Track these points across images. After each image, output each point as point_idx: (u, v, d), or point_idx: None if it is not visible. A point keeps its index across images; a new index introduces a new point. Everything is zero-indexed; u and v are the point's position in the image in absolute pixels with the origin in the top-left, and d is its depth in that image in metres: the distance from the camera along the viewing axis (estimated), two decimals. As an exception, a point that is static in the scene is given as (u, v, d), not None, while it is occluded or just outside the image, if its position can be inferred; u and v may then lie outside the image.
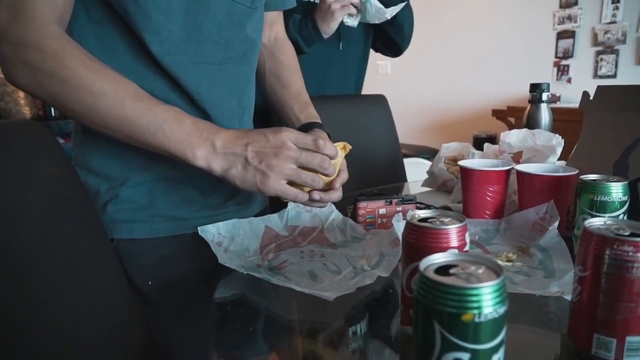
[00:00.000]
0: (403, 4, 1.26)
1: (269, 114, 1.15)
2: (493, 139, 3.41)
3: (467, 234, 0.44)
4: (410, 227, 0.45)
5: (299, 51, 1.24)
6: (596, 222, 0.44)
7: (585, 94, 0.76)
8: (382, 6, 1.20)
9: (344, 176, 0.73)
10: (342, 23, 1.24)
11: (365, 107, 1.46)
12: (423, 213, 0.47)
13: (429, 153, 3.23)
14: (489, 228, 0.77)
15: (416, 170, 1.54)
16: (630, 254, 0.39)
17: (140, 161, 0.74)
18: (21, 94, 2.01)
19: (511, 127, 3.16)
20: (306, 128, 0.85)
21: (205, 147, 0.64)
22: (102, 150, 0.73)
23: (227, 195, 0.84)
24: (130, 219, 0.75)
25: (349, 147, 0.73)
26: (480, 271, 0.33)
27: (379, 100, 1.49)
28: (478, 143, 3.48)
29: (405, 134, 4.18)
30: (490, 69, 3.77)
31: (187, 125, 0.64)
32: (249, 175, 0.64)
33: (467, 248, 0.45)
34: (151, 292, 0.76)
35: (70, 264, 0.61)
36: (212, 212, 0.81)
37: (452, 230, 0.43)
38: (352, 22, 1.25)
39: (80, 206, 0.63)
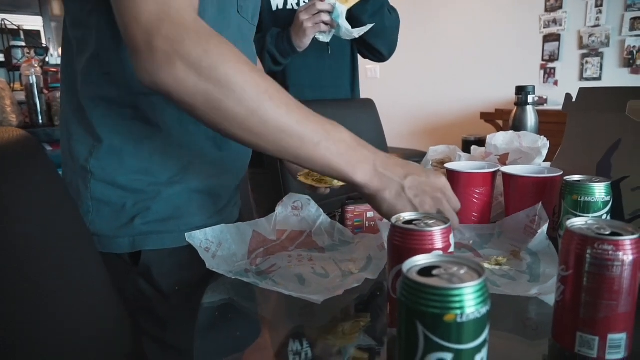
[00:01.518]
0: (371, 25, 1.31)
1: None
2: (482, 142, 3.42)
3: (451, 236, 0.45)
4: (395, 229, 0.45)
5: (276, 63, 1.28)
6: (578, 222, 0.44)
7: (568, 97, 0.77)
8: (349, 27, 1.26)
9: None
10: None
11: (353, 111, 1.46)
12: (408, 215, 0.48)
13: (418, 156, 3.23)
14: (483, 233, 0.77)
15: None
16: (610, 252, 0.40)
17: (167, 175, 0.74)
18: (8, 101, 1.99)
19: (499, 129, 3.19)
20: None
21: (367, 164, 0.61)
22: (129, 165, 0.72)
23: (226, 199, 0.85)
24: (161, 230, 0.74)
25: None
26: (462, 272, 0.33)
27: (367, 104, 1.50)
28: (467, 146, 3.48)
29: (395, 138, 4.20)
30: (478, 73, 3.81)
31: (346, 135, 0.61)
32: (400, 204, 0.61)
33: (451, 250, 0.45)
34: (139, 298, 0.76)
35: (59, 273, 0.60)
36: (220, 218, 0.81)
37: (437, 232, 0.43)
38: (325, 37, 1.30)
39: (67, 216, 0.63)
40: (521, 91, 1.21)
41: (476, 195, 0.78)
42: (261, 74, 0.58)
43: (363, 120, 1.48)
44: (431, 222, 0.46)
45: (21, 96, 2.14)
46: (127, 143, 0.71)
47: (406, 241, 0.44)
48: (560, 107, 0.81)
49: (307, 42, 1.27)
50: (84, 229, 0.68)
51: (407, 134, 4.27)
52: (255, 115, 0.56)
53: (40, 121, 2.11)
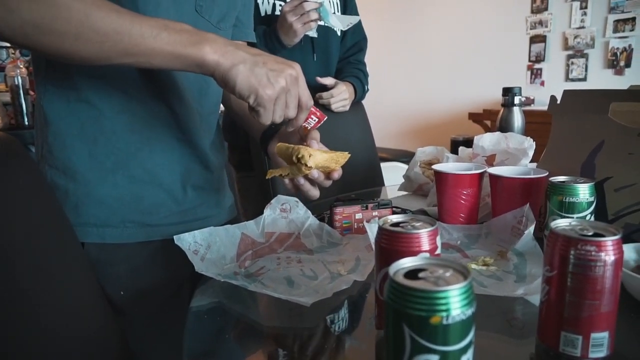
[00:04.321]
0: (359, 18, 1.39)
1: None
2: (470, 142, 3.44)
3: (438, 238, 0.45)
4: (382, 231, 0.45)
5: None
6: (562, 223, 0.45)
7: (553, 99, 0.78)
8: (338, 23, 1.32)
9: (337, 175, 0.75)
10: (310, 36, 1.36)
11: (340, 113, 1.47)
12: (395, 218, 0.48)
13: (406, 157, 3.25)
14: (471, 233, 0.77)
15: (394, 174, 1.55)
16: (593, 253, 0.40)
17: (112, 160, 0.74)
18: (-8, 103, 1.97)
19: (487, 130, 3.22)
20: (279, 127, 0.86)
21: (215, 42, 0.60)
22: (73, 149, 0.73)
23: (197, 202, 0.84)
24: (103, 223, 0.74)
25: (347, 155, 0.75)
26: (447, 274, 0.33)
27: (355, 105, 1.50)
28: (455, 146, 3.51)
29: (384, 138, 4.20)
30: (466, 73, 3.84)
31: (188, 27, 0.61)
32: (254, 77, 0.60)
33: (438, 251, 0.45)
34: (127, 301, 0.76)
35: (44, 275, 0.60)
36: (181, 219, 0.81)
37: (424, 234, 0.44)
38: (312, 32, 1.34)
39: (52, 216, 0.62)
40: (508, 92, 1.23)
41: (463, 197, 0.79)
42: None
43: (351, 121, 1.49)
44: (418, 224, 0.46)
45: (6, 97, 2.12)
46: (71, 126, 0.72)
47: (393, 243, 0.44)
48: (546, 107, 0.82)
49: (297, 40, 1.30)
50: (69, 227, 0.68)
51: (396, 134, 4.29)
52: (87, 26, 0.56)
53: (26, 123, 2.08)
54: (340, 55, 1.52)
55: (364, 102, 1.57)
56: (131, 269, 0.77)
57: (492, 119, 3.21)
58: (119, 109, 0.73)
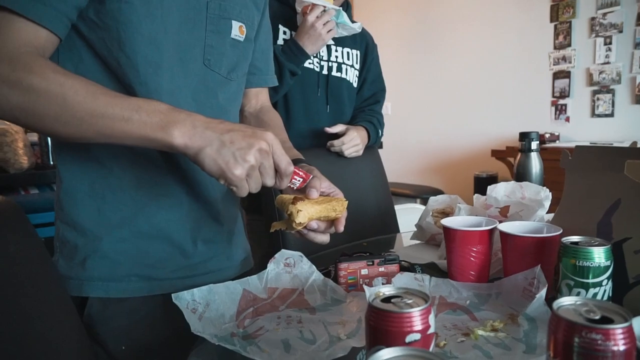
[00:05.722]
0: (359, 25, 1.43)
1: None
2: (494, 179, 3.39)
3: (430, 316, 0.42)
4: (371, 309, 0.43)
5: (293, 75, 1.34)
6: (565, 302, 0.42)
7: (565, 154, 0.75)
8: (353, 26, 1.39)
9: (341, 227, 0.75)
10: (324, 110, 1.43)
11: (354, 158, 1.45)
12: (387, 290, 0.46)
13: (429, 193, 3.21)
14: (481, 293, 0.74)
15: (410, 217, 1.52)
16: (599, 342, 0.37)
17: (119, 216, 0.75)
18: (20, 144, 2.03)
19: (510, 167, 3.15)
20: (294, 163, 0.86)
21: (184, 125, 0.61)
22: (83, 205, 0.75)
23: (207, 256, 0.83)
24: (107, 277, 0.75)
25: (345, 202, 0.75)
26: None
27: (368, 150, 1.48)
28: (479, 183, 3.46)
29: (407, 174, 4.18)
30: (490, 110, 3.80)
31: (163, 107, 0.62)
32: (221, 159, 0.60)
33: (432, 330, 0.43)
34: (128, 356, 0.75)
35: (35, 338, 0.59)
36: (189, 273, 0.80)
37: (415, 314, 0.41)
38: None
39: (45, 279, 0.62)
40: (524, 137, 1.20)
41: (473, 254, 0.76)
42: (68, 75, 0.62)
43: (364, 166, 1.47)
44: (410, 300, 0.43)
45: (34, 137, 2.19)
46: (82, 183, 0.74)
47: (382, 323, 0.42)
48: (572, 144, 0.79)
49: (322, 47, 1.35)
50: (61, 291, 0.68)
51: (418, 170, 4.25)
52: (64, 109, 0.60)
53: (51, 162, 2.14)
54: (356, 105, 1.53)
55: (386, 138, 1.56)
56: (134, 322, 0.76)
57: (516, 156, 3.15)
58: (127, 167, 0.75)
